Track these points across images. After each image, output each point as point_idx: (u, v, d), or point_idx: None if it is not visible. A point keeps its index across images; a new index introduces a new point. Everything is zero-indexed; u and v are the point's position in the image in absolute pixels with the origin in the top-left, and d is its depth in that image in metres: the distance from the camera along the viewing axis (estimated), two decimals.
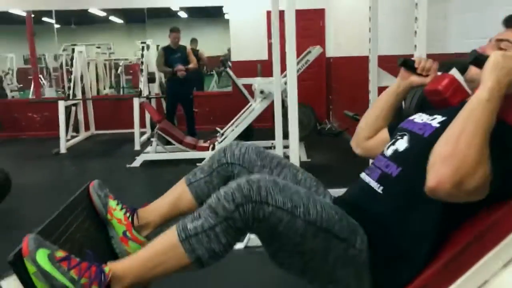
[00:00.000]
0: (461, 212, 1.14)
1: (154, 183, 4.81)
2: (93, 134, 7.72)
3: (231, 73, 5.82)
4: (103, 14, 8.82)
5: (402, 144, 1.30)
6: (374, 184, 1.27)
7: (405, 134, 1.32)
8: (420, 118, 1.34)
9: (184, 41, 6.73)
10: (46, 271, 0.97)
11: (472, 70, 1.24)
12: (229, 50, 6.31)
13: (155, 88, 7.41)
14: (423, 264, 1.15)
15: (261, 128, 6.41)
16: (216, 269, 2.52)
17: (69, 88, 6.80)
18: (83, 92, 7.28)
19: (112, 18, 9.12)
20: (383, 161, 1.31)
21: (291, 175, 1.37)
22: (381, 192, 1.24)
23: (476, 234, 1.13)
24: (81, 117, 7.46)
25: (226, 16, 8.26)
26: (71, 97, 6.79)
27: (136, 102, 6.56)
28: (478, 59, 1.13)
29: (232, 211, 1.03)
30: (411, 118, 1.38)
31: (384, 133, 1.51)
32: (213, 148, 5.41)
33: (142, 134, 6.74)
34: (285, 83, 4.69)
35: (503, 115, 1.10)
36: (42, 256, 0.98)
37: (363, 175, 1.35)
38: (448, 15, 3.72)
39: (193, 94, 6.58)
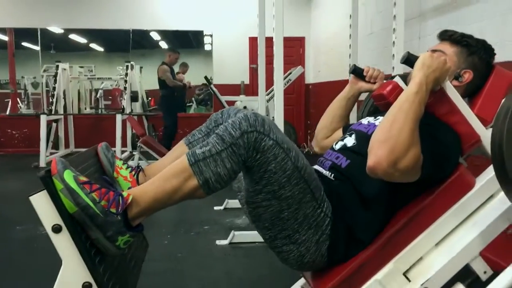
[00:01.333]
0: (402, 197, 1.29)
1: None
2: (73, 151, 7.70)
3: (215, 89, 5.99)
4: (83, 41, 8.87)
5: (350, 141, 1.45)
6: (326, 173, 1.41)
7: (352, 133, 1.48)
8: (366, 120, 1.52)
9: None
10: (72, 189, 1.05)
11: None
12: (205, 76, 6.53)
13: (137, 107, 7.50)
14: (368, 241, 1.27)
15: None
16: (203, 264, 2.62)
17: (51, 103, 6.84)
18: (65, 110, 7.31)
19: (92, 45, 9.17)
20: (333, 154, 1.46)
21: None
22: (333, 179, 1.38)
23: (412, 215, 1.27)
24: (61, 134, 7.46)
25: (207, 47, 8.49)
26: (53, 113, 6.81)
27: (118, 118, 6.62)
28: (410, 59, 1.32)
29: (238, 137, 1.13)
30: (360, 121, 1.55)
31: (339, 133, 1.67)
32: None
33: (122, 152, 6.78)
34: (267, 101, 4.93)
35: (432, 110, 1.30)
36: (68, 176, 1.06)
37: (317, 167, 1.48)
38: (422, 36, 3.98)
39: None
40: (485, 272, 1.22)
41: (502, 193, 1.24)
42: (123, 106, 6.90)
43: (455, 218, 1.28)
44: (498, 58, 2.29)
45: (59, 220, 1.04)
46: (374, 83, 1.63)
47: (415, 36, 4.10)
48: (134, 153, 5.58)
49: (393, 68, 3.13)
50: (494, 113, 1.30)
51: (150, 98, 8.49)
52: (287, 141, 1.22)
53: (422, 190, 1.29)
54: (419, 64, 1.28)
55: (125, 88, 7.04)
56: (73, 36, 8.56)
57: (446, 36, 1.48)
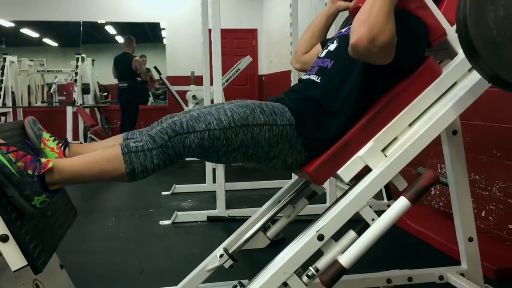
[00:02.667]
0: (376, 86, 1.46)
1: (87, 187, 4.86)
2: None
3: (165, 79, 6.04)
4: (36, 35, 8.67)
5: (333, 46, 1.61)
6: (313, 77, 1.56)
7: (335, 39, 1.64)
8: (345, 28, 1.68)
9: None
10: None
11: None
12: (154, 67, 6.55)
13: (89, 99, 7.44)
14: (347, 127, 1.44)
15: None
16: (144, 241, 2.70)
17: None
18: (14, 103, 7.18)
19: (46, 40, 8.96)
20: (319, 61, 1.62)
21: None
22: (319, 81, 1.53)
23: (387, 100, 1.44)
24: None
25: (159, 39, 8.50)
26: (0, 105, 6.69)
27: (69, 110, 6.58)
28: None
29: (166, 140, 1.31)
30: (340, 30, 1.72)
31: (318, 48, 1.82)
32: None
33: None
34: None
35: (405, 5, 1.48)
36: None
37: (303, 76, 1.64)
38: None
39: None
40: (373, 219, 1.37)
41: (464, 80, 1.44)
42: (74, 98, 6.84)
43: (425, 101, 1.44)
44: None
45: None
46: (351, 1, 1.77)
47: None
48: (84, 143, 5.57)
49: None
50: None
51: (106, 93, 8.42)
52: (204, 119, 1.36)
53: (396, 80, 1.46)
54: None
55: (75, 80, 6.98)
56: (25, 30, 8.34)
57: None
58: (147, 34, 8.70)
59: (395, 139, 1.43)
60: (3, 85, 6.75)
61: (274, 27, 7.85)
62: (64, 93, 9.31)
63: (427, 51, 1.52)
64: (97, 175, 1.29)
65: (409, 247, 2.55)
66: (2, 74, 6.80)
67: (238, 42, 8.24)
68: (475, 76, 1.41)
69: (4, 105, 6.79)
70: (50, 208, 1.44)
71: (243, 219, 3.07)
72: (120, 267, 2.37)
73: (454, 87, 1.46)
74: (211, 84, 4.40)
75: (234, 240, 1.82)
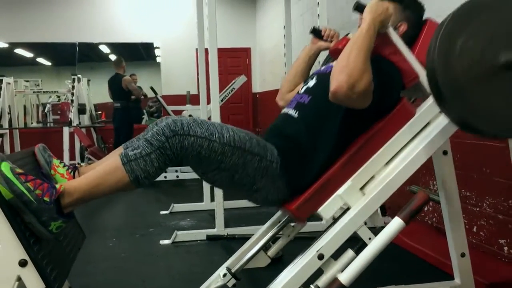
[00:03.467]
0: (354, 127, 1.55)
1: (87, 206, 4.89)
2: None
3: (161, 99, 6.13)
4: (30, 55, 8.74)
5: (312, 82, 1.72)
6: (292, 112, 1.66)
7: (314, 76, 1.74)
8: (324, 66, 1.79)
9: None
10: (9, 178, 1.20)
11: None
12: (151, 87, 6.65)
13: (85, 119, 7.50)
14: (326, 166, 1.53)
15: None
16: (146, 261, 2.76)
17: None
18: (10, 124, 7.23)
19: (40, 59, 9.02)
20: (298, 96, 1.72)
21: None
22: (296, 116, 1.63)
23: (364, 141, 1.54)
24: (7, 148, 7.36)
25: (154, 58, 8.61)
26: None
27: (66, 131, 6.63)
28: (360, 6, 1.58)
29: (164, 141, 1.35)
30: (320, 68, 1.83)
31: (301, 86, 1.91)
32: None
33: (71, 165, 6.75)
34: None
35: (379, 51, 1.56)
36: (5, 167, 1.22)
37: (284, 110, 1.74)
38: None
39: None
40: (370, 238, 1.45)
41: (436, 120, 1.53)
42: (71, 118, 6.91)
43: (400, 141, 1.54)
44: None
45: None
46: (331, 41, 1.88)
47: None
48: (82, 164, 5.63)
49: None
50: None
51: (100, 112, 8.47)
52: (208, 128, 1.42)
53: (372, 121, 1.56)
54: (368, 9, 1.54)
55: (72, 100, 7.06)
56: (19, 51, 8.41)
57: None
58: (141, 53, 8.81)
59: (372, 177, 1.52)
60: (0, 107, 6.81)
61: (267, 46, 7.99)
62: (59, 112, 9.37)
63: (402, 92, 1.63)
64: (104, 189, 1.35)
65: (404, 263, 2.62)
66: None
67: (232, 61, 8.37)
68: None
69: (0, 126, 6.84)
70: (62, 232, 1.51)
71: (242, 237, 3.18)
72: (123, 286, 2.43)
73: (427, 127, 1.55)
74: (208, 103, 4.53)
75: (236, 260, 1.89)
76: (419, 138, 1.53)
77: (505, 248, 2.42)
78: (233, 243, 3.13)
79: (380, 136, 1.53)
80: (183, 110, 6.07)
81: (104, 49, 8.70)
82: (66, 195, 1.31)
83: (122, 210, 4.28)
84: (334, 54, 1.74)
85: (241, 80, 5.80)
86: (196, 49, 7.96)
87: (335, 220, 1.53)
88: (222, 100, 5.68)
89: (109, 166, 1.37)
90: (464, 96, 1.23)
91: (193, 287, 2.36)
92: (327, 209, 1.47)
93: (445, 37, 1.23)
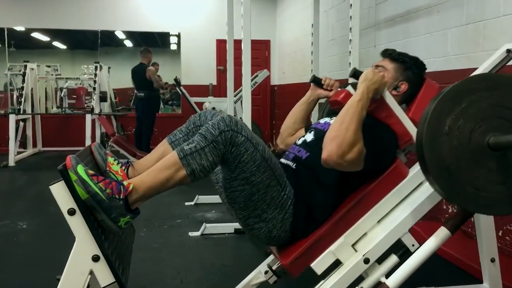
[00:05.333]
0: (352, 184, 1.61)
1: None
2: (40, 150, 7.77)
3: (184, 91, 6.20)
4: (46, 39, 8.82)
5: (309, 137, 1.77)
6: (290, 163, 1.72)
7: (312, 130, 1.80)
8: (324, 120, 1.83)
9: (128, 69, 7.12)
10: (84, 179, 1.29)
11: None
12: (175, 78, 6.72)
13: (106, 107, 7.62)
14: (323, 218, 1.59)
15: None
16: (178, 253, 2.85)
17: (19, 103, 6.90)
18: (32, 109, 7.37)
19: (55, 43, 9.09)
20: (295, 148, 1.78)
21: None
22: (294, 168, 1.69)
23: (357, 199, 1.59)
24: (29, 133, 7.51)
25: (172, 46, 8.68)
26: (21, 112, 6.88)
27: (88, 118, 6.76)
28: (356, 74, 1.65)
29: (217, 135, 1.42)
30: (319, 121, 1.87)
31: (302, 132, 1.96)
32: None
33: None
34: (235, 102, 5.19)
35: (375, 114, 1.62)
36: (81, 169, 1.31)
37: (282, 160, 1.78)
38: (377, 44, 4.35)
39: None
40: (413, 245, 1.53)
41: (425, 184, 1.57)
42: (93, 106, 7.03)
43: (392, 201, 1.61)
44: (440, 67, 2.65)
45: (73, 205, 1.28)
46: (331, 90, 1.93)
47: (371, 44, 4.47)
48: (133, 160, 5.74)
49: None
50: None
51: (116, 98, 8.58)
52: (255, 137, 1.52)
53: (367, 179, 1.62)
54: (362, 78, 1.61)
55: (94, 88, 7.17)
56: (35, 34, 8.50)
57: (387, 54, 1.83)
58: (160, 41, 8.88)
59: (364, 234, 1.58)
60: (24, 92, 6.94)
61: (286, 40, 8.03)
62: (74, 96, 9.48)
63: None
64: (165, 183, 1.44)
65: (432, 264, 2.69)
66: (23, 81, 6.99)
67: (252, 53, 8.35)
68: None
69: (24, 111, 6.98)
70: None
71: None
72: (160, 278, 2.53)
73: (416, 190, 1.62)
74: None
75: (276, 258, 1.96)
76: (408, 202, 1.59)
77: None
78: None
79: (372, 195, 1.59)
80: (204, 102, 6.14)
81: (120, 35, 8.73)
82: (134, 191, 1.39)
83: (148, 200, 4.37)
84: (333, 105, 1.79)
85: (263, 74, 5.87)
86: (217, 40, 8.21)
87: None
88: None
89: (166, 162, 1.45)
90: (449, 173, 1.27)
91: (227, 280, 2.47)
92: (319, 264, 1.52)
93: (435, 114, 1.27)
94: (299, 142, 1.80)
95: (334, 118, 1.74)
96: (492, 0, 2.73)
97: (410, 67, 1.79)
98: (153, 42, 8.74)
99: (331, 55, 5.52)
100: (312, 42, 4.30)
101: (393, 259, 1.52)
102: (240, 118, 5.77)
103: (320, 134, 1.71)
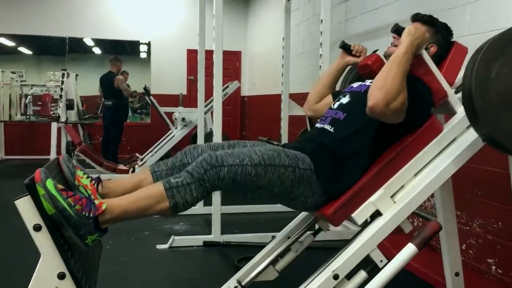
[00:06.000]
0: (386, 139, 1.66)
1: None
2: (3, 159, 7.55)
3: (154, 100, 6.15)
4: (11, 44, 8.57)
5: (345, 99, 1.82)
6: (327, 127, 1.76)
7: (347, 94, 1.84)
8: (357, 84, 1.88)
9: (96, 77, 7.00)
10: (52, 194, 1.26)
11: (390, 49, 1.82)
12: (145, 87, 6.65)
13: (73, 115, 7.46)
14: (360, 174, 1.63)
15: None
16: (145, 266, 2.80)
17: None
18: None
19: (21, 49, 8.85)
20: (332, 112, 1.82)
21: (242, 145, 1.79)
22: (332, 131, 1.73)
23: (396, 152, 1.64)
24: None
25: (142, 55, 8.60)
26: None
27: (54, 126, 6.59)
28: (399, 29, 1.69)
29: (203, 174, 1.46)
30: (351, 85, 1.92)
31: (329, 98, 2.02)
32: (133, 171, 5.62)
33: None
34: (205, 113, 5.18)
35: (412, 70, 1.66)
36: (50, 184, 1.27)
37: (317, 125, 1.84)
38: None
39: None
40: (381, 261, 1.55)
41: (462, 136, 1.67)
42: (59, 113, 6.87)
43: (428, 154, 1.66)
44: None
45: (39, 220, 1.25)
46: (359, 56, 1.98)
47: None
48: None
49: None
50: (455, 78, 1.78)
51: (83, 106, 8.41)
52: (238, 156, 1.52)
53: (403, 134, 1.68)
54: (405, 33, 1.65)
55: (60, 96, 7.01)
56: (0, 39, 8.26)
57: (418, 17, 1.87)
58: (131, 51, 8.79)
59: (402, 186, 1.64)
60: None
61: (257, 51, 8.09)
62: (39, 103, 9.26)
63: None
64: (143, 211, 1.44)
65: (397, 277, 2.74)
66: None
67: (223, 64, 8.36)
68: (473, 133, 1.62)
69: None
70: None
71: (237, 245, 3.25)
72: None
73: (454, 142, 1.68)
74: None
75: (246, 273, 1.96)
76: (447, 152, 1.66)
77: (493, 267, 2.56)
78: (229, 250, 3.21)
79: (410, 149, 1.65)
80: (174, 112, 6.11)
81: (89, 42, 8.59)
82: (107, 212, 1.37)
83: None
84: (362, 69, 1.83)
85: (234, 85, 5.89)
86: (187, 49, 8.18)
87: (350, 241, 1.62)
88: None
89: (150, 190, 1.46)
90: (496, 117, 1.38)
91: None
92: (360, 215, 1.60)
93: (483, 62, 1.38)
94: (335, 106, 1.84)
95: (368, 81, 1.81)
96: (459, 21, 2.82)
97: (440, 31, 1.84)
98: (123, 50, 8.64)
99: (301, 68, 5.58)
100: (283, 55, 4.35)
101: (362, 275, 1.54)
102: (210, 129, 5.77)
103: (357, 95, 1.77)
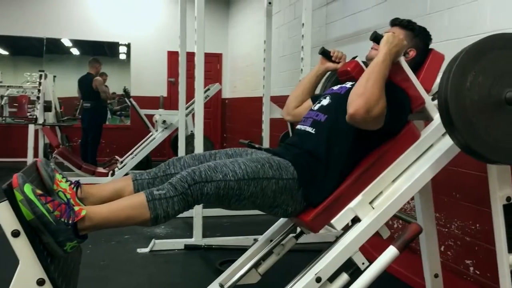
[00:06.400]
0: (365, 146, 1.68)
1: None
2: None
3: (134, 103, 6.10)
4: None
5: (326, 101, 1.83)
6: (309, 129, 1.77)
7: (327, 95, 1.86)
8: (337, 86, 1.90)
9: (75, 78, 6.93)
10: (31, 200, 1.24)
11: (371, 52, 1.84)
12: (124, 89, 6.58)
13: (50, 117, 7.33)
14: (339, 181, 1.65)
15: (159, 161, 6.71)
16: (126, 270, 2.77)
17: None
18: None
19: None
20: (313, 113, 1.82)
21: (224, 155, 1.78)
22: (313, 132, 1.74)
23: (374, 159, 1.67)
24: None
25: (121, 56, 8.51)
26: None
27: (31, 128, 6.48)
28: (377, 37, 1.71)
29: (186, 188, 1.47)
30: (331, 88, 1.94)
31: (308, 102, 2.04)
32: (112, 174, 5.56)
33: None
34: (186, 116, 5.16)
35: (390, 77, 1.68)
36: (28, 189, 1.25)
37: (299, 126, 1.85)
38: None
39: None
40: (363, 263, 1.57)
41: (439, 143, 1.71)
42: (36, 115, 6.75)
43: (406, 161, 1.69)
44: None
45: (18, 226, 1.22)
46: (339, 62, 1.99)
47: None
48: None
49: None
50: (432, 85, 1.81)
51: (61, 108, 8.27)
52: (221, 170, 1.53)
53: (382, 141, 1.70)
54: (384, 41, 1.67)
55: (37, 97, 6.89)
56: None
57: (397, 22, 1.89)
58: (110, 52, 8.69)
59: (380, 193, 1.66)
60: None
61: (238, 54, 8.09)
62: (15, 104, 9.07)
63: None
64: (123, 221, 1.43)
65: (378, 280, 2.77)
66: None
67: (204, 66, 8.34)
68: (449, 140, 1.64)
69: None
70: None
71: (219, 248, 3.24)
72: None
73: (431, 149, 1.71)
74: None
75: (228, 276, 1.95)
76: (424, 158, 1.69)
77: (471, 268, 2.61)
78: (210, 254, 3.20)
79: (388, 155, 1.68)
80: (154, 114, 6.05)
81: (66, 42, 8.43)
82: (87, 219, 1.36)
83: None
84: (342, 75, 1.85)
85: (215, 88, 5.88)
86: (168, 51, 8.13)
87: (331, 245, 1.63)
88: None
89: (132, 200, 1.46)
90: (471, 125, 1.41)
91: None
92: (339, 221, 1.62)
93: (458, 71, 1.41)
94: (316, 107, 1.85)
95: (348, 83, 1.83)
96: (437, 26, 2.87)
97: (418, 35, 1.86)
98: (102, 51, 8.53)
99: (282, 71, 5.60)
100: (264, 58, 4.36)
101: (344, 277, 1.55)
102: (191, 131, 5.74)
103: (338, 98, 1.78)
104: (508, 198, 1.67)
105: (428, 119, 1.80)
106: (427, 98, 1.74)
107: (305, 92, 2.08)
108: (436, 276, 2.16)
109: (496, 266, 1.74)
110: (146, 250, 3.21)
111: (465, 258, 2.66)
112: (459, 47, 1.50)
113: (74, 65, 8.55)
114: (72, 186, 1.67)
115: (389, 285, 2.64)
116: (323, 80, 2.23)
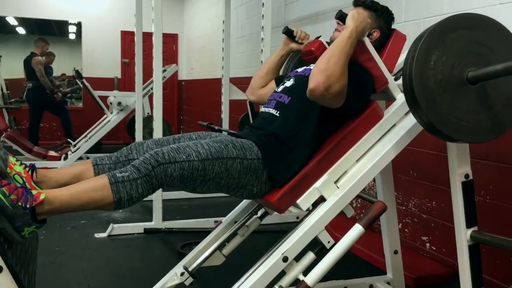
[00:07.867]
0: (329, 126, 1.68)
1: None
2: None
3: (87, 84, 5.88)
4: None
5: (289, 83, 1.81)
6: (273, 111, 1.75)
7: (291, 77, 1.83)
8: (301, 68, 1.88)
9: (21, 59, 6.54)
10: None
11: (335, 34, 1.82)
12: (76, 70, 6.28)
13: None
14: (304, 161, 1.64)
15: (111, 144, 6.58)
16: (83, 256, 2.70)
17: None
18: None
19: None
20: (276, 95, 1.80)
21: (187, 139, 1.74)
22: (278, 115, 1.72)
23: (339, 139, 1.67)
24: None
25: (71, 36, 8.17)
26: None
27: None
28: (342, 16, 1.70)
29: (150, 170, 1.41)
30: (295, 70, 1.91)
31: (272, 84, 2.01)
32: (65, 158, 5.37)
33: None
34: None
35: (355, 57, 1.68)
36: None
37: (263, 109, 1.83)
38: None
39: None
40: (329, 242, 1.58)
41: (401, 122, 1.72)
42: None
43: (370, 140, 1.70)
44: None
45: None
46: (302, 43, 1.95)
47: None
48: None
49: None
50: (394, 65, 1.82)
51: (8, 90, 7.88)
52: (184, 151, 1.49)
53: (346, 121, 1.69)
54: (349, 18, 1.65)
55: None
56: None
57: (360, 2, 1.87)
58: (59, 31, 8.33)
59: (345, 172, 1.67)
60: None
61: (195, 35, 7.94)
62: None
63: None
64: (85, 204, 1.37)
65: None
66: None
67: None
68: (412, 119, 1.67)
69: None
70: None
71: (180, 231, 3.21)
72: (65, 284, 2.37)
73: (394, 128, 1.73)
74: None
75: (193, 259, 1.92)
76: (387, 138, 1.71)
77: (427, 245, 2.70)
78: (171, 237, 3.16)
79: (352, 135, 1.69)
80: (108, 96, 5.87)
81: (12, 21, 8.04)
82: (46, 203, 1.29)
83: None
84: (305, 55, 1.83)
85: (172, 69, 5.76)
86: (121, 31, 7.87)
87: (297, 225, 1.64)
88: (152, 88, 5.58)
89: (94, 183, 1.39)
90: (435, 104, 1.43)
91: (139, 283, 2.38)
92: (305, 201, 1.62)
93: (423, 51, 1.41)
94: (279, 89, 1.82)
95: (312, 65, 1.76)
96: (395, 8, 2.90)
97: (381, 15, 1.85)
98: (50, 31, 8.17)
99: (240, 52, 5.55)
100: (223, 39, 4.29)
101: (310, 256, 1.55)
102: (148, 113, 5.62)
103: (302, 79, 1.75)
104: (466, 176, 1.71)
105: (390, 99, 1.82)
106: (390, 78, 1.75)
107: (270, 72, 2.05)
108: (395, 252, 2.22)
109: (451, 242, 1.80)
110: (104, 234, 3.13)
111: (422, 235, 2.75)
112: (418, 28, 1.51)
113: (20, 45, 8.17)
114: (27, 169, 1.58)
115: (351, 263, 2.69)
116: (287, 60, 2.21)
